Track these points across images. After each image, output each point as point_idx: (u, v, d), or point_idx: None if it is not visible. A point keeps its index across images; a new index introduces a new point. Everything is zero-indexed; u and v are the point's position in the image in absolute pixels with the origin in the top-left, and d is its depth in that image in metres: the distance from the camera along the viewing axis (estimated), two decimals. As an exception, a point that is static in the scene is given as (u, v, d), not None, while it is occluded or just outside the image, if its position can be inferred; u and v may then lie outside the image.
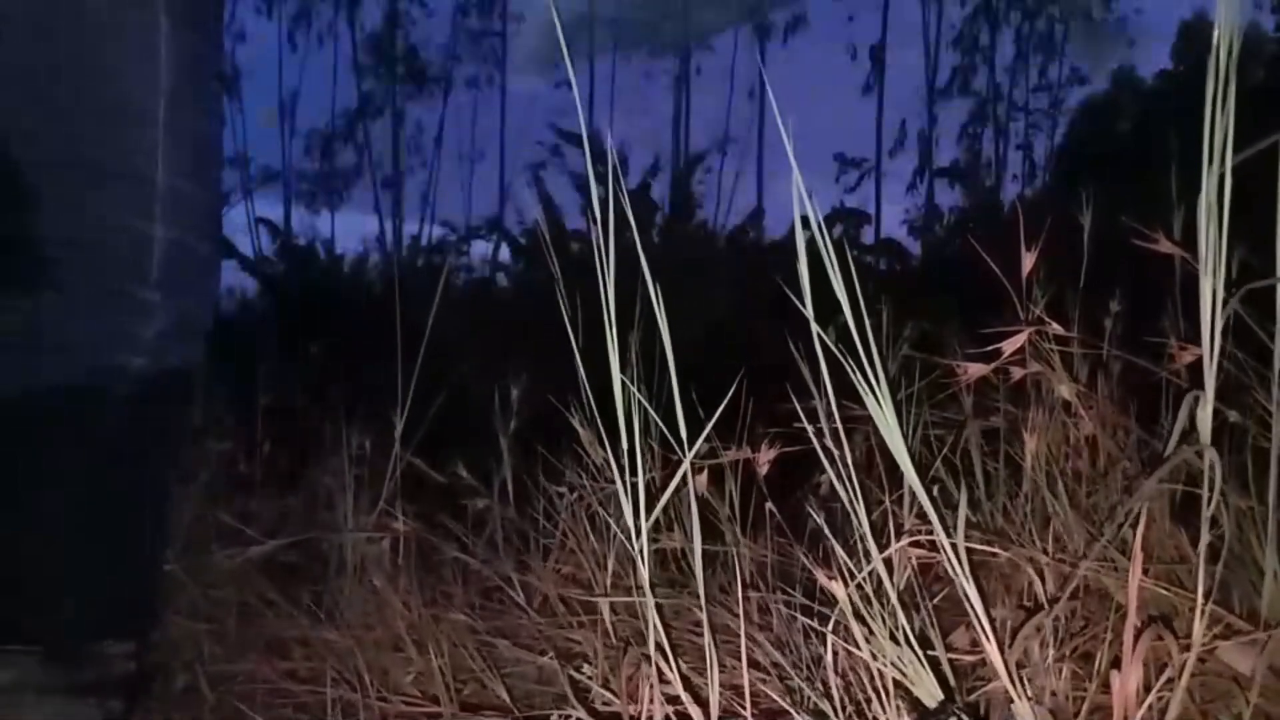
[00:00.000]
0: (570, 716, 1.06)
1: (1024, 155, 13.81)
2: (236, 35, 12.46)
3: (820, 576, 0.84)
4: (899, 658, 0.81)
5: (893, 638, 0.81)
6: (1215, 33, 0.75)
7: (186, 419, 1.20)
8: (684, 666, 0.99)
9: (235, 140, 12.83)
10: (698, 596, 0.87)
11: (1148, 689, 0.79)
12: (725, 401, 0.95)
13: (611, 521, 1.36)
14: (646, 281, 0.83)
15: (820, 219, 0.78)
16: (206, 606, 1.61)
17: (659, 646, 0.86)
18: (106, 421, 1.07)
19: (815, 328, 0.78)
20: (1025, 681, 0.83)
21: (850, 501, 0.83)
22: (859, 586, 0.82)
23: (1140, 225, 1.05)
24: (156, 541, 1.19)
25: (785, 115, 0.80)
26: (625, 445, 0.85)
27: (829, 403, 0.85)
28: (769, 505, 1.27)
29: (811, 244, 0.79)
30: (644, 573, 0.84)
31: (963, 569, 0.77)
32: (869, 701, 0.88)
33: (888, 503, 1.11)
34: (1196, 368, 0.87)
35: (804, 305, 0.78)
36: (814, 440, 0.92)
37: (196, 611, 1.60)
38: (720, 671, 1.03)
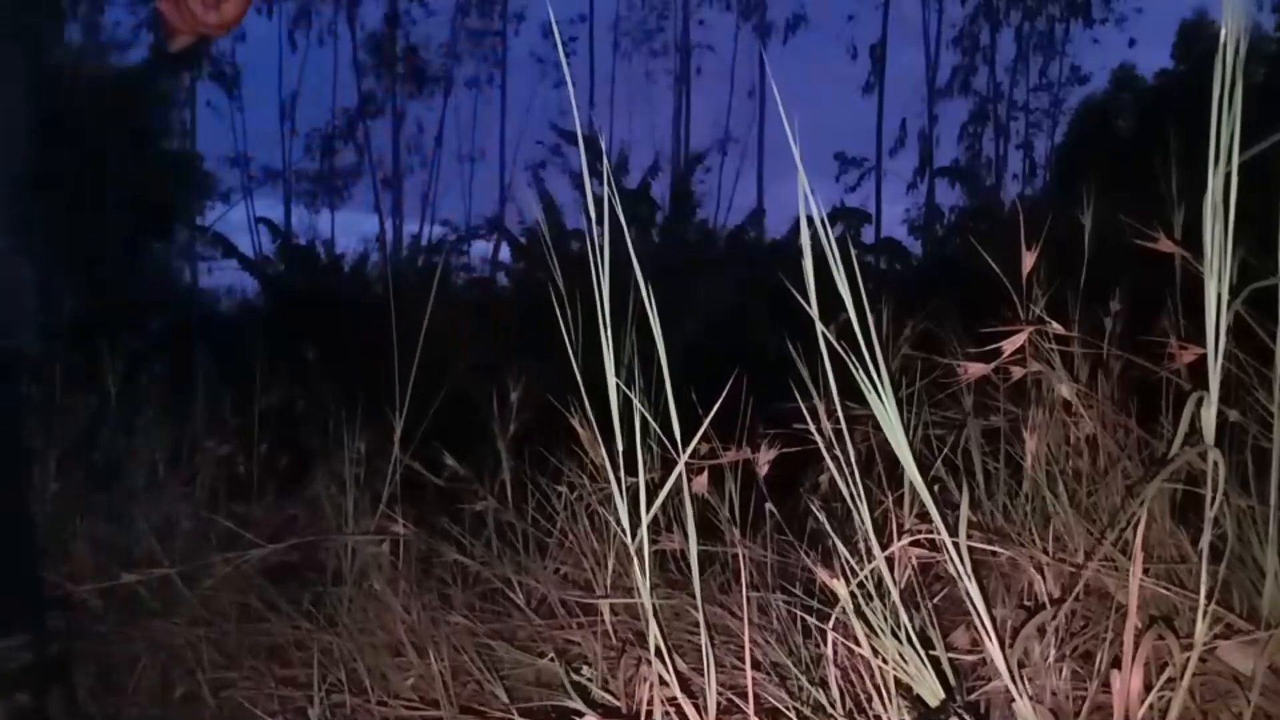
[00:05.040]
0: (569, 713, 1.06)
1: (1024, 155, 13.83)
2: (237, 35, 12.46)
3: (822, 575, 0.84)
4: (900, 656, 0.81)
5: (894, 635, 0.81)
6: (1222, 32, 0.75)
7: (16, 401, 1.21)
8: (684, 667, 0.99)
9: (235, 140, 12.85)
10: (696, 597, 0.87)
11: (1148, 688, 0.79)
12: (720, 401, 0.95)
13: (613, 521, 1.36)
14: (647, 284, 0.83)
15: (825, 214, 0.78)
16: (206, 612, 1.61)
17: (657, 648, 0.86)
18: None
19: (819, 326, 0.77)
20: (1026, 681, 0.83)
21: (852, 498, 0.83)
22: (860, 585, 0.81)
23: (1141, 224, 1.05)
24: (21, 528, 1.20)
25: (784, 115, 0.79)
26: (620, 445, 0.85)
27: (830, 401, 0.85)
28: (768, 505, 1.27)
29: (814, 243, 0.78)
30: (641, 573, 0.84)
31: (964, 568, 0.77)
32: (869, 699, 0.87)
33: (888, 502, 1.11)
34: (1197, 367, 0.87)
35: (808, 303, 0.78)
36: (815, 438, 0.91)
37: (196, 617, 1.60)
38: (720, 671, 1.03)
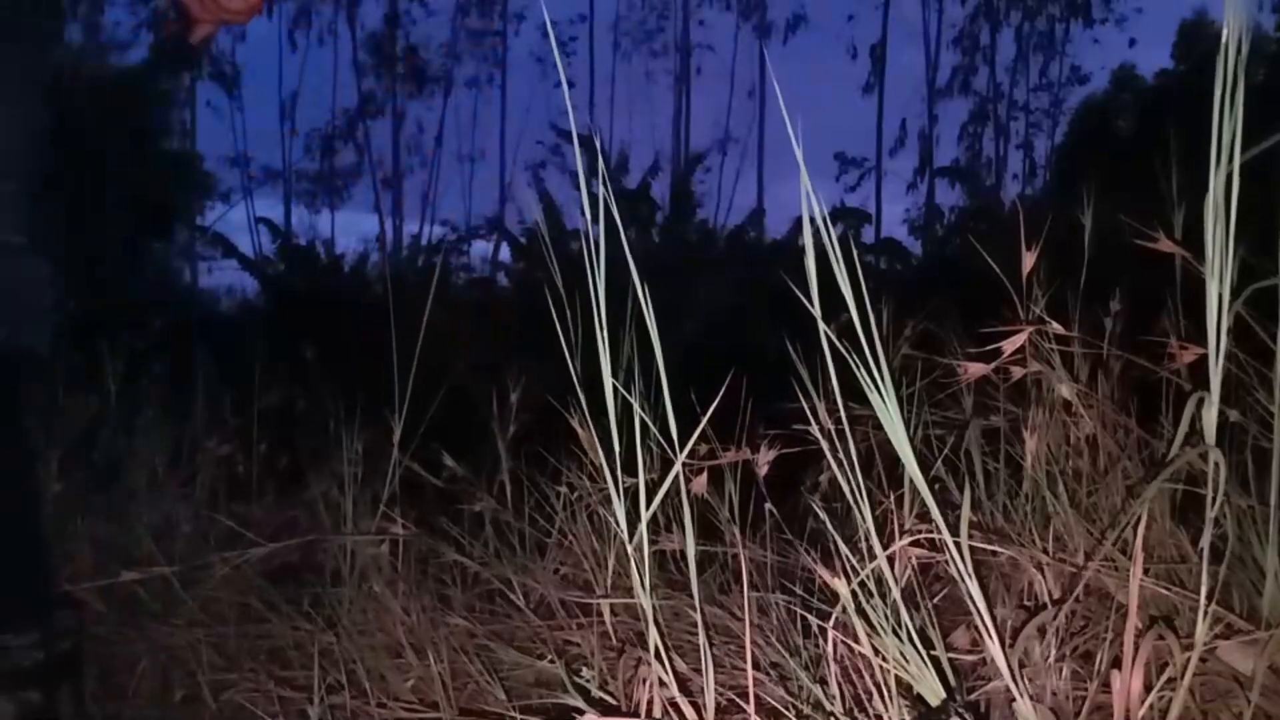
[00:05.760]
0: (569, 711, 1.06)
1: (1024, 155, 13.82)
2: (237, 35, 12.46)
3: (822, 573, 0.83)
4: (900, 655, 0.81)
5: (894, 634, 0.81)
6: (1224, 32, 0.75)
7: (21, 400, 1.21)
8: (684, 667, 0.99)
9: (235, 140, 12.85)
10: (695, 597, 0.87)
11: (1149, 688, 0.79)
12: (719, 401, 0.95)
13: (612, 521, 1.36)
14: (645, 281, 0.83)
15: (826, 214, 0.78)
16: (205, 613, 1.61)
17: (657, 648, 0.86)
18: None
19: (821, 325, 0.77)
20: (1026, 681, 0.83)
21: (853, 495, 0.83)
22: (861, 584, 0.81)
23: (1141, 224, 1.05)
24: (29, 526, 1.20)
25: (786, 114, 0.79)
26: (620, 446, 0.85)
27: (831, 399, 0.85)
28: (768, 505, 1.27)
29: (815, 242, 0.78)
30: (640, 573, 0.84)
31: (966, 567, 0.76)
32: (869, 697, 0.87)
33: (889, 501, 1.11)
34: (1197, 367, 0.87)
35: (810, 302, 0.78)
36: (817, 436, 0.91)
37: (196, 618, 1.59)
38: (720, 671, 1.03)
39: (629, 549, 0.85)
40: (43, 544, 1.26)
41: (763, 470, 1.18)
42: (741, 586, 1.16)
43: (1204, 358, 0.77)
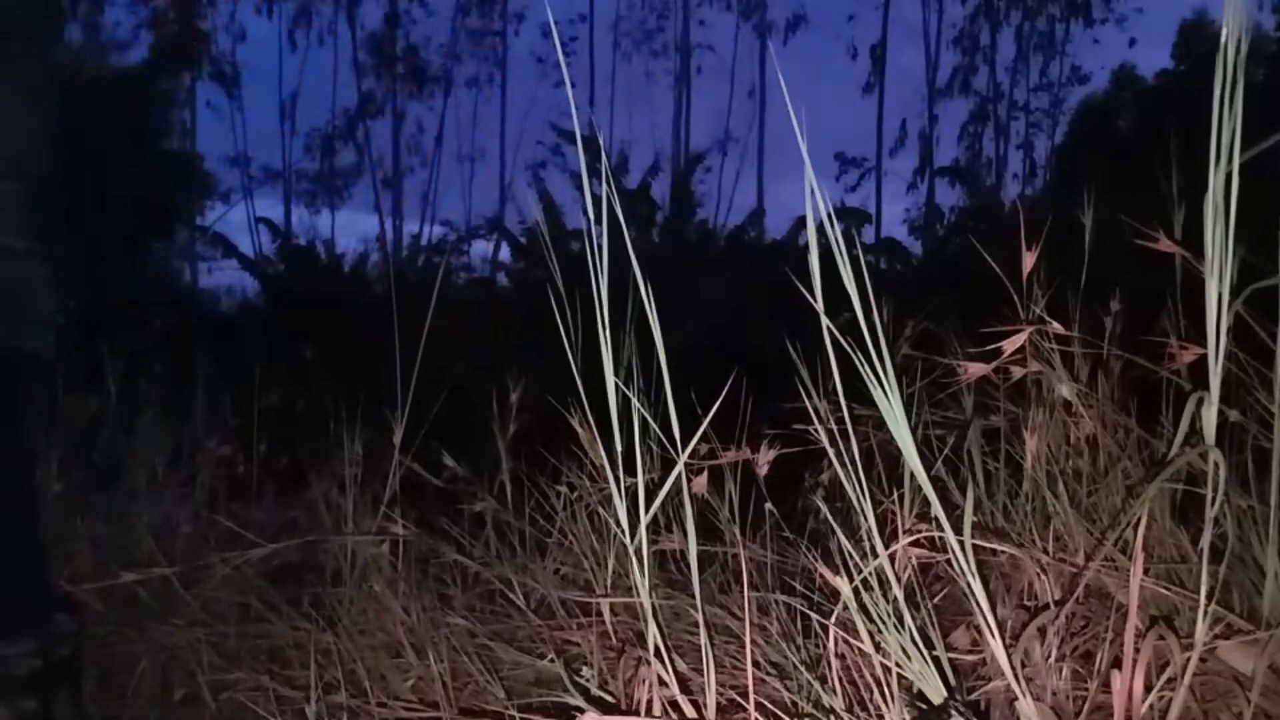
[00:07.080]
0: (568, 709, 1.06)
1: (1024, 155, 13.81)
2: (237, 35, 12.47)
3: (824, 572, 0.84)
4: (902, 652, 0.81)
5: (895, 631, 0.81)
6: (1223, 32, 0.75)
7: (28, 403, 1.21)
8: (684, 667, 0.99)
9: (235, 140, 12.85)
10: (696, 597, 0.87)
11: (1149, 688, 0.79)
12: (719, 401, 0.95)
13: (612, 521, 1.36)
14: (645, 281, 0.83)
15: (831, 210, 0.78)
16: (205, 613, 1.61)
17: (657, 648, 0.86)
18: None
19: (825, 321, 0.77)
20: (1027, 680, 0.83)
21: (855, 492, 0.83)
22: (863, 582, 0.81)
23: (1141, 224, 1.05)
24: (26, 531, 1.19)
25: (788, 114, 0.79)
26: (620, 445, 0.85)
27: (832, 398, 0.85)
28: (768, 505, 1.27)
29: (819, 239, 0.78)
30: (640, 573, 0.84)
31: (969, 566, 0.76)
32: (870, 695, 0.87)
33: (893, 501, 1.11)
34: (1197, 367, 0.87)
35: (813, 298, 0.78)
36: (820, 435, 0.91)
37: (196, 618, 1.59)
38: (720, 671, 1.03)
39: (629, 549, 0.85)
40: (41, 549, 1.26)
41: (763, 470, 1.18)
42: (741, 586, 1.15)
43: (1204, 358, 0.77)
